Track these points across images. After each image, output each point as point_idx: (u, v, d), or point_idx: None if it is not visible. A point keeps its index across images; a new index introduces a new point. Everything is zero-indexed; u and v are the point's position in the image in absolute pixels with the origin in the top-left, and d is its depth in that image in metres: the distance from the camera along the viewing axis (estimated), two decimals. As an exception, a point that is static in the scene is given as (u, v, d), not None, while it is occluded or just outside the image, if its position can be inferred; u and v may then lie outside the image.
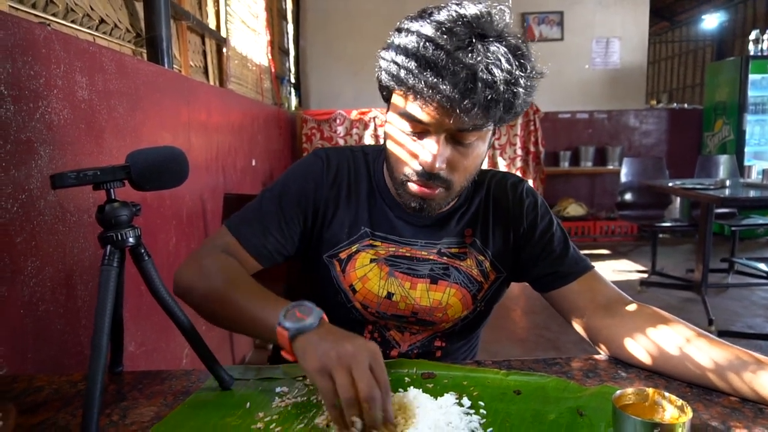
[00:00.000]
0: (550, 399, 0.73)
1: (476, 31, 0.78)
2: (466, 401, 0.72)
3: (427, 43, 0.76)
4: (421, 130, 0.83)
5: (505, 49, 0.78)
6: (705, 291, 3.50)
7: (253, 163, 3.35)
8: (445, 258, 0.96)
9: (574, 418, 0.68)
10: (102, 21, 1.88)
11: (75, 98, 1.32)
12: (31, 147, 1.14)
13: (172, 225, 1.95)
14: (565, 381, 0.78)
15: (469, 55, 0.75)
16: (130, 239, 0.69)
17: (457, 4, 0.81)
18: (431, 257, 0.96)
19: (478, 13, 0.79)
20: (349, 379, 0.62)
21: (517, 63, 0.78)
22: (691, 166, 4.65)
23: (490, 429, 0.66)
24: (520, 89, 0.79)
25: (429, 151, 0.82)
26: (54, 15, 1.60)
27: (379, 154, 1.00)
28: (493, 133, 0.91)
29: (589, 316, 0.91)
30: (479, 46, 0.76)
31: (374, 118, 4.69)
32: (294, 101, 5.50)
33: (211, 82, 3.12)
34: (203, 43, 3.08)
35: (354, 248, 0.96)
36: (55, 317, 1.17)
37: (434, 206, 0.90)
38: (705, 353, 0.76)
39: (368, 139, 4.70)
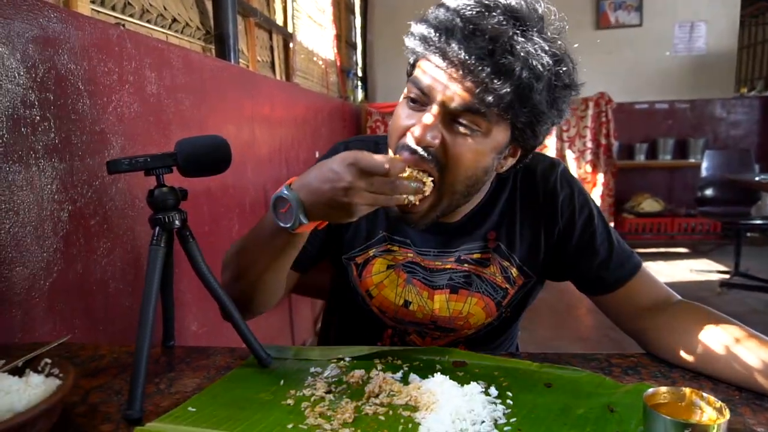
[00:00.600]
0: (581, 394, 0.72)
1: (516, 16, 0.72)
2: (492, 391, 0.72)
3: (456, 14, 0.72)
4: (422, 105, 0.76)
5: (542, 42, 0.72)
6: (794, 295, 3.23)
7: (317, 155, 3.44)
8: (466, 266, 0.91)
9: (604, 413, 0.66)
10: (174, 20, 1.99)
11: (145, 93, 1.42)
12: (104, 137, 1.24)
13: (235, 213, 2.05)
14: (600, 377, 0.75)
15: (495, 23, 0.70)
16: (177, 222, 0.75)
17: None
18: (448, 266, 0.91)
19: (528, 6, 0.74)
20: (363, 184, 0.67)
21: (549, 56, 0.72)
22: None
23: (514, 419, 0.66)
24: (542, 85, 0.71)
25: (419, 120, 0.74)
26: (131, 16, 1.72)
27: None
28: (509, 151, 0.81)
29: (635, 319, 0.88)
30: (512, 29, 0.71)
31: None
32: (360, 94, 5.58)
33: (278, 76, 3.23)
34: (270, 38, 3.19)
35: (371, 253, 0.92)
36: (124, 295, 1.27)
37: (418, 217, 0.79)
38: (755, 354, 0.71)
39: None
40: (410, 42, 0.77)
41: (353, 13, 5.38)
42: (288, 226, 0.73)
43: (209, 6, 2.24)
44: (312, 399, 0.71)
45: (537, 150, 0.87)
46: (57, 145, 1.08)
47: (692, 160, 5.37)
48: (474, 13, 0.71)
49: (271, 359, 0.81)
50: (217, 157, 0.77)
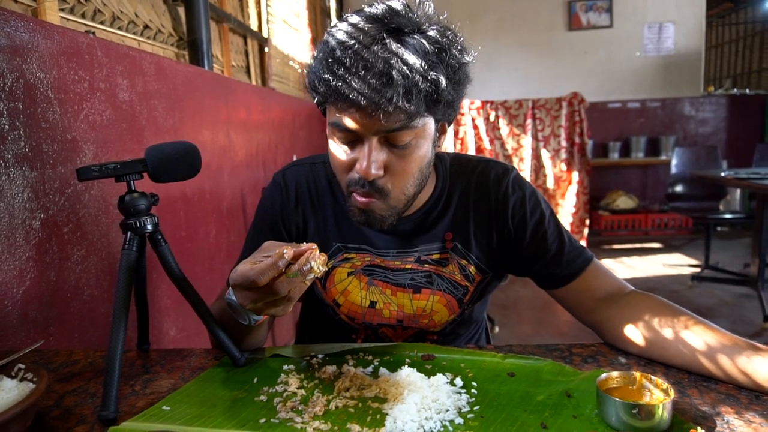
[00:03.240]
0: (542, 381, 0.75)
1: (389, 26, 0.75)
2: (458, 381, 0.75)
3: (338, 47, 0.75)
4: (352, 139, 0.80)
5: (422, 40, 0.75)
6: (761, 286, 3.34)
7: (294, 158, 3.45)
8: (426, 266, 0.94)
9: (561, 399, 0.70)
10: (146, 27, 2.00)
11: (116, 99, 1.43)
12: (76, 145, 1.25)
13: (213, 218, 2.06)
14: (560, 365, 0.79)
15: (380, 50, 0.73)
16: (148, 226, 0.76)
17: (373, 3, 0.79)
18: (408, 266, 0.94)
19: (392, 8, 0.77)
20: (259, 256, 0.71)
21: (435, 50, 0.75)
22: (753, 156, 4.42)
23: (477, 407, 0.69)
24: (442, 77, 0.75)
25: (362, 158, 0.78)
26: (102, 23, 1.73)
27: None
28: (439, 131, 0.86)
29: (591, 311, 0.92)
30: (390, 41, 0.74)
31: (415, 112, 4.72)
32: (338, 97, 5.59)
33: (253, 81, 3.23)
34: (245, 43, 3.20)
35: (329, 265, 0.95)
36: (99, 301, 1.28)
37: (377, 218, 0.84)
38: (700, 338, 0.76)
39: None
40: (314, 87, 0.80)
41: (329, 16, 5.40)
42: (245, 324, 0.77)
43: (182, 12, 2.24)
44: (284, 395, 0.73)
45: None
46: (27, 154, 1.09)
47: (664, 158, 5.50)
48: (358, 46, 0.74)
49: (245, 359, 0.83)
50: (186, 163, 0.79)
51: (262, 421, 0.67)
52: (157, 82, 1.65)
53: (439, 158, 0.99)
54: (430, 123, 0.82)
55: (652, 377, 0.66)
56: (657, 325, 0.80)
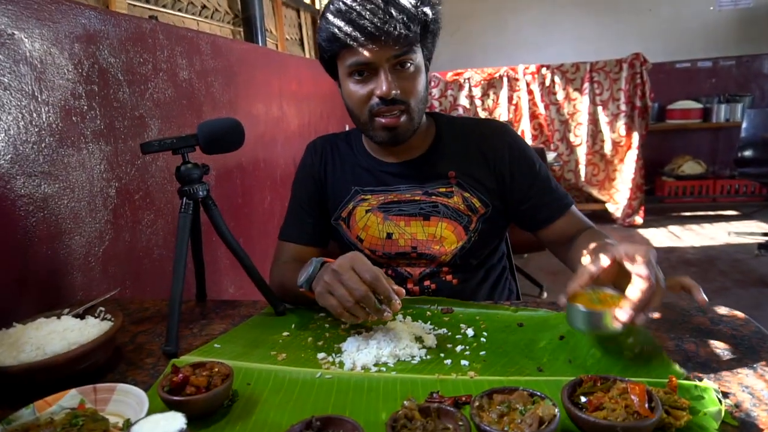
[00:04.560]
0: (546, 327, 0.83)
1: None
2: (470, 332, 0.84)
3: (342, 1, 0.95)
4: (367, 73, 0.97)
5: None
6: (834, 255, 3.16)
7: (347, 128, 3.55)
8: (433, 197, 1.08)
9: (560, 343, 0.77)
10: (204, 6, 2.13)
11: (177, 78, 1.57)
12: (143, 121, 1.40)
13: (267, 186, 2.20)
14: (564, 314, 0.86)
15: None
16: (201, 192, 0.89)
17: None
18: (417, 198, 1.09)
19: None
20: (343, 290, 0.79)
21: None
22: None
23: (483, 352, 0.77)
24: (429, 10, 0.97)
25: (381, 83, 0.95)
26: (164, 6, 1.87)
27: (360, 133, 1.15)
28: (427, 60, 1.04)
29: (564, 248, 1.07)
30: None
31: (469, 78, 4.68)
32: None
33: (307, 54, 3.34)
34: (299, 16, 3.30)
35: (350, 206, 1.12)
36: (167, 260, 1.45)
37: (402, 132, 1.01)
38: (586, 243, 0.92)
39: (463, 101, 4.71)
40: (330, 39, 0.97)
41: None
42: (299, 282, 0.91)
43: (236, -10, 2.36)
44: (308, 339, 0.85)
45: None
46: (103, 131, 1.24)
47: (739, 120, 5.17)
48: None
49: (284, 308, 0.95)
50: (232, 137, 0.90)
51: (282, 357, 0.79)
52: (214, 60, 1.78)
53: (437, 115, 1.16)
54: (420, 54, 1.01)
55: (612, 293, 0.75)
56: (578, 244, 0.98)
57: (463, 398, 0.65)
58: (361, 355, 0.77)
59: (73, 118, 1.16)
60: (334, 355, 0.79)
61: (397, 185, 1.10)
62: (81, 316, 0.83)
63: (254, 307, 1.01)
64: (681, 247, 4.03)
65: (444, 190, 1.09)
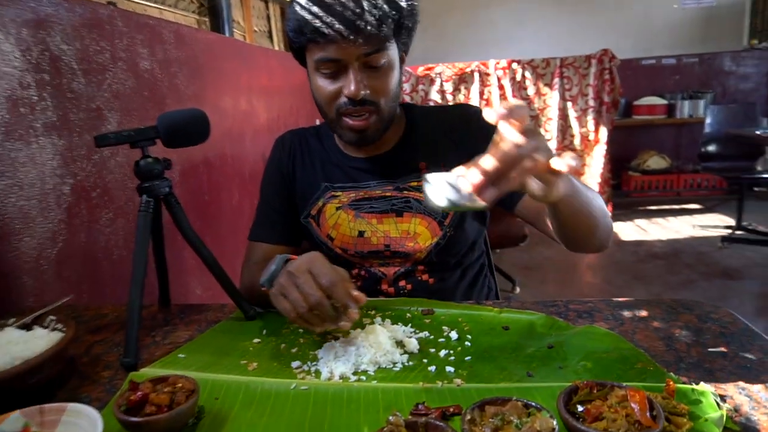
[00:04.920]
0: (534, 335, 0.79)
1: None
2: (453, 335, 0.79)
3: None
4: (335, 70, 0.91)
5: None
6: (794, 247, 3.25)
7: (317, 123, 3.48)
8: (405, 192, 1.04)
9: (550, 352, 0.73)
10: (166, -6, 2.03)
11: (138, 68, 1.48)
12: (101, 114, 1.31)
13: (235, 183, 2.12)
14: (553, 319, 0.82)
15: None
16: (162, 189, 0.82)
17: None
18: (388, 194, 1.04)
19: None
20: (297, 293, 0.74)
21: None
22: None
23: (469, 357, 0.73)
24: (403, 3, 0.90)
25: (349, 82, 0.89)
26: (122, -8, 1.76)
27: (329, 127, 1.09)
28: (401, 60, 0.98)
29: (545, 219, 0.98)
30: None
31: (440, 73, 4.65)
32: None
33: (276, 46, 3.25)
34: (267, 7, 3.20)
35: (320, 203, 1.07)
36: (127, 261, 1.36)
37: (371, 134, 0.97)
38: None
39: (434, 95, 4.68)
40: (298, 31, 0.90)
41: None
42: (261, 281, 0.85)
43: (201, -22, 2.26)
44: (281, 345, 0.79)
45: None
46: (56, 123, 1.15)
47: (701, 116, 5.29)
48: None
49: (255, 312, 0.89)
50: (196, 129, 0.83)
51: (253, 367, 0.73)
52: (178, 50, 1.69)
53: (408, 105, 1.12)
54: (395, 48, 0.95)
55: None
56: None
57: (451, 409, 0.60)
58: (338, 363, 0.72)
59: (21, 110, 1.06)
60: (309, 363, 0.74)
61: (367, 181, 1.06)
62: (28, 327, 0.76)
63: (222, 312, 0.95)
64: (648, 241, 4.10)
65: (416, 183, 1.05)
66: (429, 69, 4.69)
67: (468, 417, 0.53)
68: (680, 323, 0.82)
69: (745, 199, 4.05)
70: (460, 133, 1.05)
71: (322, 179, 1.09)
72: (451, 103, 1.21)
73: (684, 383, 0.64)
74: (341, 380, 0.69)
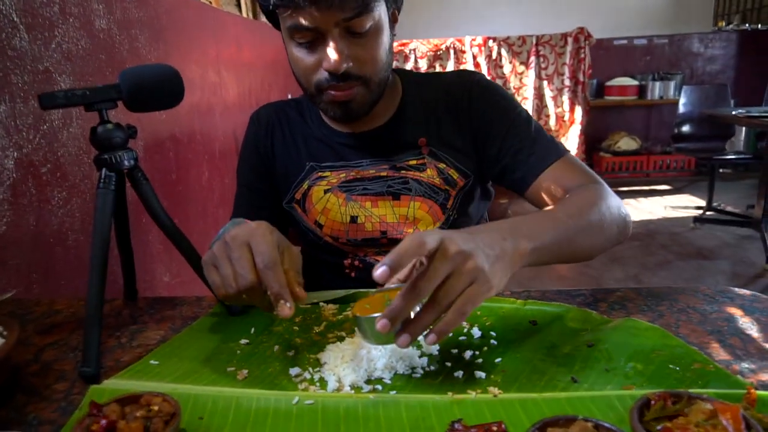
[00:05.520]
0: (567, 331, 0.69)
1: None
2: (476, 331, 0.68)
3: None
4: (312, 38, 0.78)
5: None
6: (765, 227, 3.29)
7: (289, 97, 3.30)
8: (402, 172, 0.93)
9: (592, 351, 0.63)
10: (123, -51, 1.82)
11: (93, 28, 1.30)
12: (50, 77, 1.13)
13: (205, 160, 1.96)
14: (586, 311, 0.72)
15: None
16: (126, 161, 0.67)
17: None
18: (384, 174, 0.93)
19: None
20: (228, 270, 0.60)
21: None
22: (762, 95, 4.27)
23: (499, 359, 0.62)
24: None
25: (329, 54, 0.77)
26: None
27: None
28: (391, 19, 0.86)
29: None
30: None
31: (414, 50, 4.51)
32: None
33: (243, 14, 3.04)
34: (234, -28, 2.98)
35: (305, 185, 0.96)
36: (85, 247, 1.20)
37: (355, 108, 0.85)
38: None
39: (408, 73, 4.55)
40: None
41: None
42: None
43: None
44: (275, 348, 0.67)
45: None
46: (-7, 85, 0.98)
47: (669, 97, 5.33)
48: None
49: (240, 308, 0.76)
50: (167, 89, 0.69)
51: (243, 375, 0.60)
52: (138, 10, 1.51)
53: (405, 72, 1.00)
54: (382, 9, 0.82)
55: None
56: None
57: (494, 428, 0.50)
58: (347, 369, 0.60)
59: (-50, 68, 0.89)
60: (311, 369, 0.62)
61: (359, 160, 0.94)
62: (-41, 331, 0.61)
63: (199, 306, 0.82)
64: (622, 222, 4.11)
65: (415, 162, 0.93)
66: (403, 45, 4.54)
67: (530, 445, 0.42)
68: (724, 314, 0.73)
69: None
70: (462, 103, 0.94)
71: (306, 158, 0.97)
72: (449, 69, 1.04)
73: (756, 387, 0.55)
74: (353, 391, 0.57)
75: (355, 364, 0.61)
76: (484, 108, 0.92)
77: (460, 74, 0.98)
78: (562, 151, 0.89)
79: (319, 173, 0.95)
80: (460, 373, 0.60)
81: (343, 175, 0.94)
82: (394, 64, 4.50)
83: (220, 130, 2.14)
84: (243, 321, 0.75)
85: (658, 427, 0.45)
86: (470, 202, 0.96)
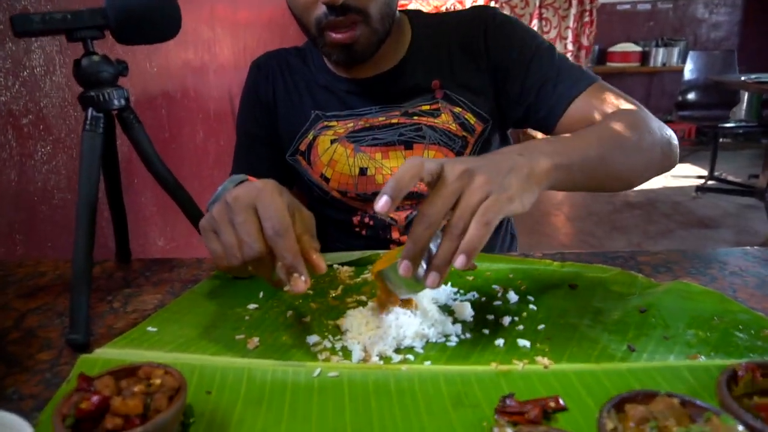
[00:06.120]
0: (612, 295, 0.62)
1: None
2: (512, 296, 0.61)
3: None
4: None
5: None
6: (769, 197, 3.25)
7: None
8: (415, 118, 0.85)
9: (645, 317, 0.57)
10: None
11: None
12: (23, 9, 1.02)
13: (199, 120, 1.86)
14: (632, 275, 0.66)
15: None
16: (116, 101, 0.58)
17: None
18: (395, 121, 0.85)
19: None
20: (231, 237, 0.51)
21: None
22: (766, 63, 4.18)
23: (542, 326, 0.55)
24: None
25: None
26: None
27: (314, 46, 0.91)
28: None
29: None
30: None
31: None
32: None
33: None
34: None
35: (310, 136, 0.89)
36: (73, 205, 1.11)
37: (359, 50, 0.78)
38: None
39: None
40: None
41: None
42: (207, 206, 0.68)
43: None
44: (287, 313, 0.59)
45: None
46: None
47: (673, 64, 5.21)
48: None
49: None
50: (161, 16, 0.59)
51: (254, 344, 0.53)
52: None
53: (414, 12, 0.92)
54: None
55: None
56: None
57: (552, 404, 0.43)
58: (373, 337, 0.53)
59: None
60: (331, 337, 0.54)
61: (367, 107, 0.87)
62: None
63: (200, 268, 0.74)
64: (623, 191, 4.05)
65: (428, 107, 0.86)
66: (402, 6, 4.38)
67: (609, 426, 0.35)
68: (785, 279, 0.66)
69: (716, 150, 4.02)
70: (477, 41, 0.85)
71: (311, 107, 0.90)
72: (462, 8, 0.94)
73: (841, 358, 0.48)
74: (381, 362, 0.50)
75: (382, 332, 0.53)
76: (502, 44, 0.84)
77: (475, 10, 0.89)
78: (592, 78, 0.79)
79: (325, 122, 0.88)
80: (500, 342, 0.53)
81: (351, 124, 0.87)
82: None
83: (215, 89, 2.02)
84: (250, 285, 0.67)
85: (751, 404, 0.39)
86: (489, 148, 0.89)
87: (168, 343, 0.54)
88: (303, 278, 0.48)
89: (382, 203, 0.45)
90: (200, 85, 1.90)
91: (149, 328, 0.56)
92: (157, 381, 0.40)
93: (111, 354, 0.52)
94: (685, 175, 4.38)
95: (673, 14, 5.51)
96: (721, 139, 5.36)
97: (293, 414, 0.43)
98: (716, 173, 4.01)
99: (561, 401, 0.43)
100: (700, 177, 4.23)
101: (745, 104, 4.76)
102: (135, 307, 0.63)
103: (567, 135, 0.66)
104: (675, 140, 0.76)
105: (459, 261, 0.46)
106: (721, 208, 3.63)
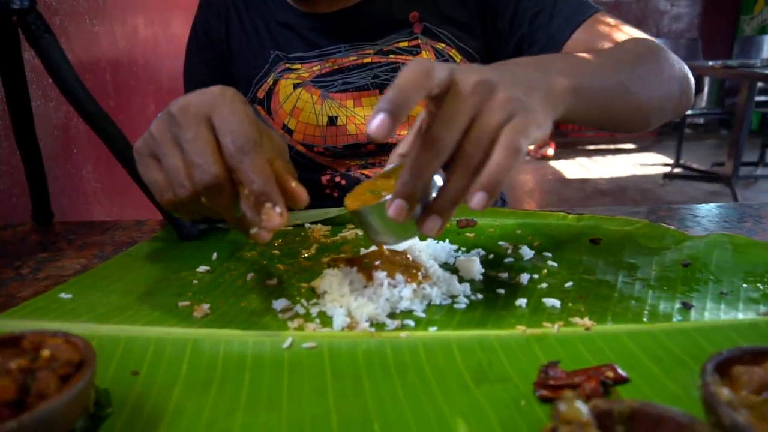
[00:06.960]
0: (644, 249, 0.51)
1: None
2: (526, 251, 0.50)
3: None
4: None
5: None
6: (735, 182, 3.27)
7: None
8: (390, 56, 0.74)
9: (691, 272, 0.46)
10: None
11: None
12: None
13: (150, 90, 1.69)
14: (662, 226, 0.55)
15: None
16: (17, 1, 0.44)
17: None
18: (367, 60, 0.74)
19: None
20: (177, 160, 0.38)
21: None
22: (725, 52, 4.22)
23: (570, 283, 0.44)
24: None
25: None
26: None
27: None
28: None
29: None
30: None
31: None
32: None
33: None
34: None
35: (270, 80, 0.77)
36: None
37: None
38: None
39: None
40: None
41: None
42: None
43: None
44: (248, 276, 0.47)
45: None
46: None
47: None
48: None
49: (197, 230, 0.55)
50: None
51: (203, 312, 0.40)
52: None
53: None
54: None
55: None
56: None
57: (609, 373, 0.32)
58: (360, 299, 0.41)
59: None
60: (304, 301, 0.42)
61: (335, 45, 0.75)
62: None
63: (139, 230, 0.60)
64: (593, 179, 4.04)
65: (406, 44, 0.75)
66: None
67: (724, 395, 0.24)
68: (827, 231, 0.57)
69: (676, 139, 4.05)
70: None
71: (270, 47, 0.78)
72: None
73: None
74: (373, 329, 0.38)
75: (371, 292, 0.41)
76: None
77: None
78: (593, 8, 0.69)
79: (287, 64, 0.76)
80: (523, 302, 0.41)
81: (317, 67, 0.75)
82: None
83: (167, 56, 1.86)
84: (201, 246, 0.54)
85: None
86: None
87: (86, 312, 0.40)
88: (278, 209, 0.36)
89: (377, 122, 0.32)
90: (149, 52, 1.73)
91: (62, 295, 0.43)
92: (46, 352, 0.26)
93: (4, 326, 0.38)
94: (652, 163, 4.41)
95: (636, 6, 5.56)
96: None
97: (254, 399, 0.31)
98: (681, 161, 4.03)
99: (619, 370, 0.32)
100: (666, 165, 4.26)
101: (705, 94, 4.83)
102: (49, 273, 0.49)
103: (582, 54, 0.55)
104: (692, 78, 0.66)
105: (477, 199, 0.34)
106: (688, 194, 3.65)
